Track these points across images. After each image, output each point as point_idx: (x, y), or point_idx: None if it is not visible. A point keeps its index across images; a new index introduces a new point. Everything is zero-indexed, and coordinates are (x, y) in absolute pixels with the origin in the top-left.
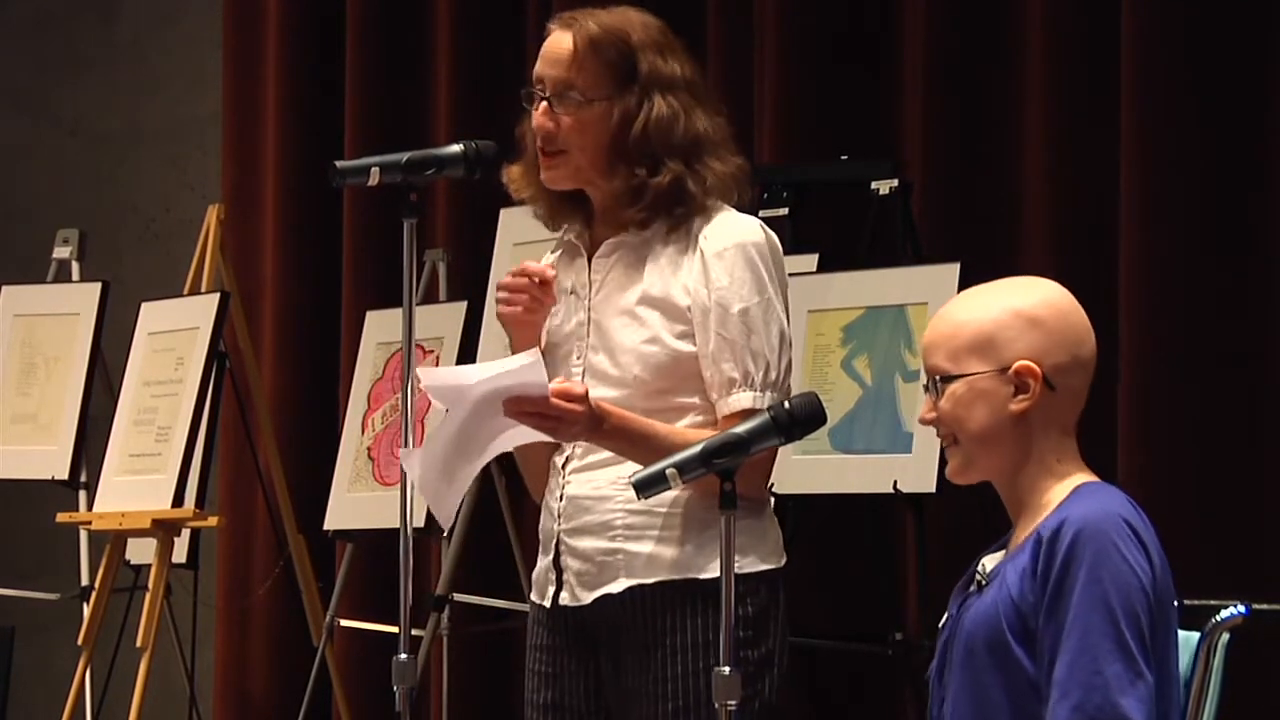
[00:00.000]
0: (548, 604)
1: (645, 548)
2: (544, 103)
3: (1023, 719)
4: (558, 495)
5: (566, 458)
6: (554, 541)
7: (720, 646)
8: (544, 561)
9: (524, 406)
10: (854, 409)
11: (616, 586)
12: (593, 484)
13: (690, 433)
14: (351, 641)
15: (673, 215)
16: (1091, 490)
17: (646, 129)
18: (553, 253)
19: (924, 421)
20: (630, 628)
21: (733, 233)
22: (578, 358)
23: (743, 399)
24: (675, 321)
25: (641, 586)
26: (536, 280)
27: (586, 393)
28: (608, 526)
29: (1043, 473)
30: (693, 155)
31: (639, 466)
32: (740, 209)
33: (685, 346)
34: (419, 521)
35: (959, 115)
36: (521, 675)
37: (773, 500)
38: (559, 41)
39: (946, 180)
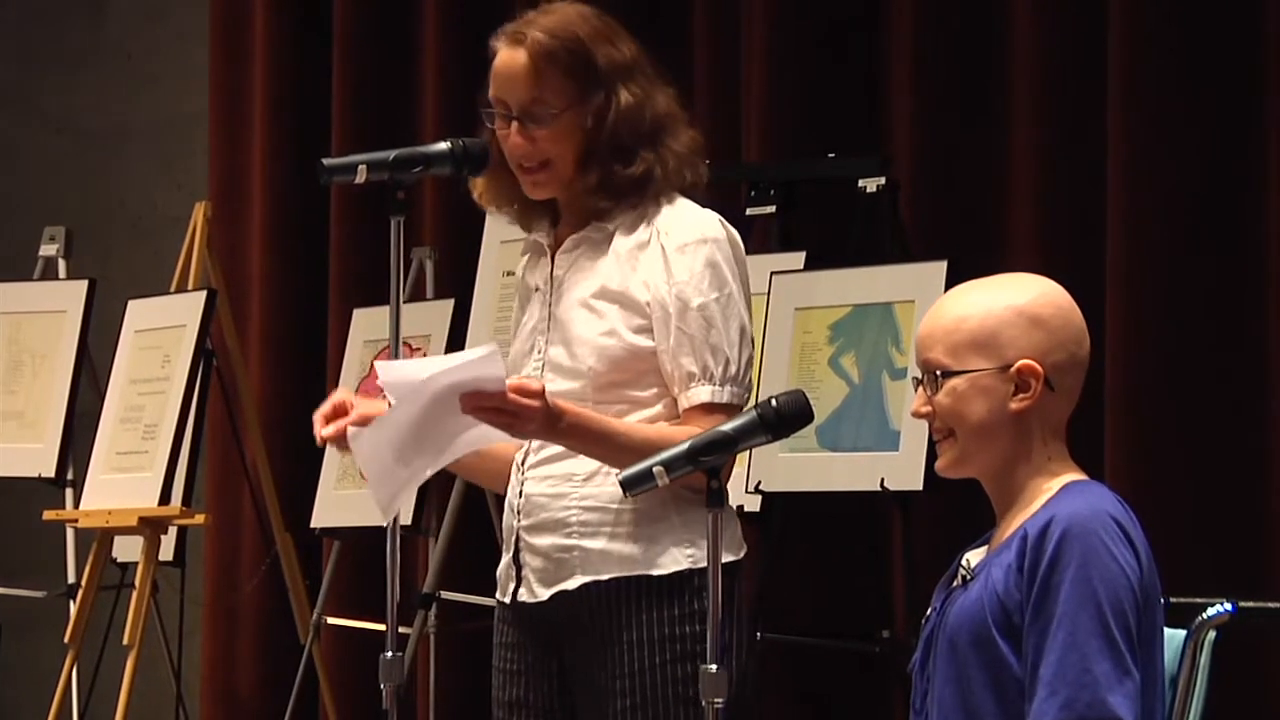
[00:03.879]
0: (509, 600)
1: (600, 544)
2: (513, 123)
3: (1006, 713)
4: (517, 492)
5: (524, 455)
6: (514, 538)
7: (676, 641)
8: (505, 558)
9: (481, 401)
10: (841, 407)
11: (572, 583)
12: (549, 481)
13: (648, 429)
14: (338, 639)
15: (633, 201)
16: (1079, 488)
17: (617, 124)
18: (523, 255)
19: (917, 415)
20: (587, 624)
21: (694, 228)
22: (537, 352)
23: (701, 393)
24: (633, 315)
25: (597, 583)
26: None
27: (543, 388)
28: (563, 524)
29: (1034, 471)
30: (657, 139)
31: (594, 463)
32: (699, 189)
33: (643, 341)
34: (405, 519)
35: (946, 114)
36: None
37: (760, 498)
38: (513, 60)
39: (934, 178)
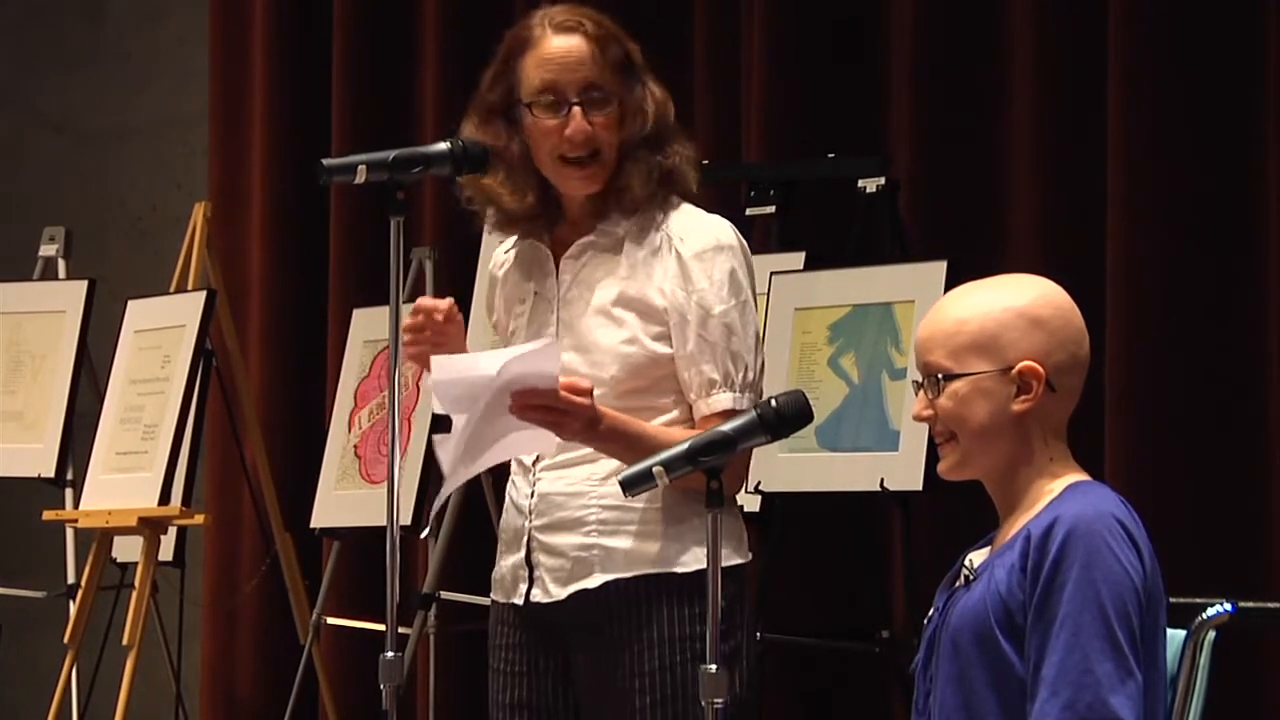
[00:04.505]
0: (519, 601)
1: (621, 543)
2: (574, 109)
3: (1008, 714)
4: (528, 493)
5: (536, 456)
6: (525, 539)
7: (696, 639)
8: (512, 559)
9: (532, 400)
10: (841, 407)
11: (592, 582)
12: (566, 480)
13: (681, 432)
14: (338, 639)
15: (663, 194)
16: (1083, 489)
17: (656, 118)
18: (505, 253)
19: (919, 419)
20: (606, 622)
21: (709, 235)
22: None
23: (723, 400)
24: (651, 323)
25: (618, 581)
26: (439, 316)
27: (592, 388)
28: (581, 523)
29: (1036, 472)
30: (674, 138)
31: (611, 463)
32: (695, 195)
33: (662, 348)
34: (405, 519)
35: (946, 114)
36: None
37: (759, 498)
38: (571, 46)
39: (933, 178)
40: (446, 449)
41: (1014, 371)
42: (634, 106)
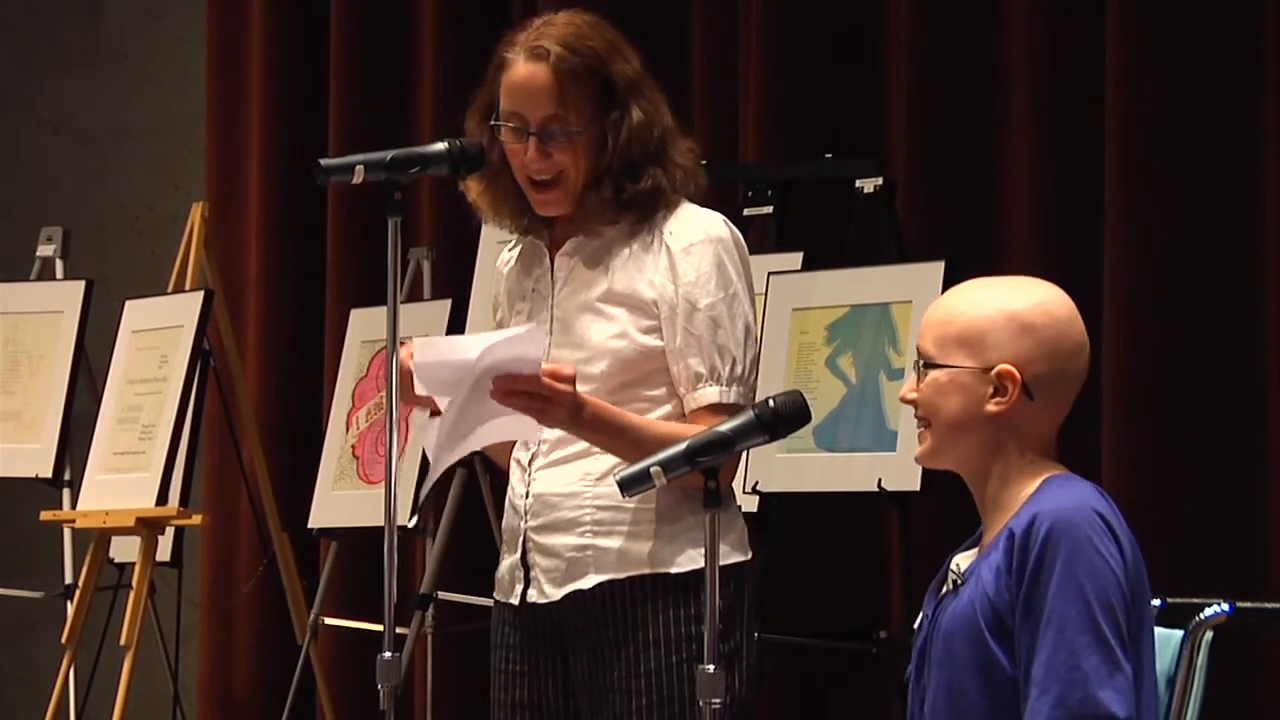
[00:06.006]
0: (516, 601)
1: (615, 543)
2: (531, 139)
3: (1001, 717)
4: (523, 493)
5: (532, 455)
6: (520, 539)
7: (691, 640)
8: (510, 559)
9: (515, 385)
10: (838, 407)
11: (587, 582)
12: (560, 480)
13: (663, 425)
14: (336, 640)
15: (644, 213)
16: (1060, 483)
17: (630, 141)
18: (510, 250)
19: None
20: (601, 623)
21: (698, 229)
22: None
23: (709, 393)
24: (641, 317)
25: (613, 582)
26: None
27: (574, 375)
28: (576, 523)
29: (1014, 471)
30: (664, 154)
31: (610, 462)
32: (699, 198)
33: (652, 341)
34: (403, 520)
35: (944, 114)
36: None
37: (757, 498)
38: (534, 76)
39: (931, 179)
40: (431, 431)
41: (991, 372)
42: (604, 135)
